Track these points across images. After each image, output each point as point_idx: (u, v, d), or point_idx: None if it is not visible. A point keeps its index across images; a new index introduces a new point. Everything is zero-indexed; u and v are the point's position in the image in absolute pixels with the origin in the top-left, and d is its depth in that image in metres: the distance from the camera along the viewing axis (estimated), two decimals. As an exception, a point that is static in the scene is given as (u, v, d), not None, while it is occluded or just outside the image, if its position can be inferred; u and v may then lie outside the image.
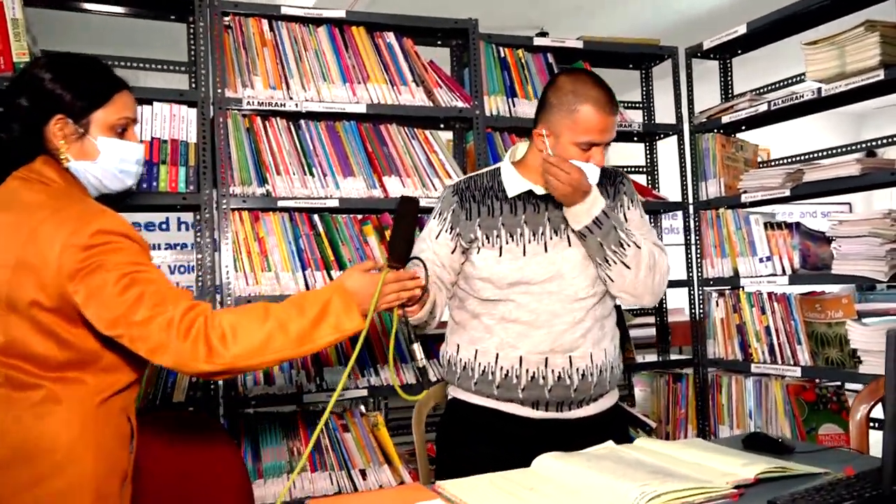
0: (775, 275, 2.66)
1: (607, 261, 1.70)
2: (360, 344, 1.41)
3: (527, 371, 1.73)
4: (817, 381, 2.61)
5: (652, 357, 3.19)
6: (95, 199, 1.40)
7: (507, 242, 1.74)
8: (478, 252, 1.77)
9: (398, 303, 1.50)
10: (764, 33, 2.79)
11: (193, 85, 2.42)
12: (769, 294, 2.70)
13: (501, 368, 1.74)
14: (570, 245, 1.74)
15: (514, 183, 1.78)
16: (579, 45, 2.90)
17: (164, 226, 5.28)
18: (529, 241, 1.74)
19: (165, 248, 5.19)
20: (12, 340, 1.23)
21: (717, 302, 2.90)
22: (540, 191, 1.75)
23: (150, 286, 1.25)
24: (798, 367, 2.55)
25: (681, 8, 5.19)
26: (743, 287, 2.83)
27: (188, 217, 5.43)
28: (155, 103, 2.25)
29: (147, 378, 2.22)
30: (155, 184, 2.23)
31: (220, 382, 2.32)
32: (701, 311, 2.98)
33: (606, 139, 1.68)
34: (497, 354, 1.75)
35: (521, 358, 1.73)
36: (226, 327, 1.27)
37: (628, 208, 1.84)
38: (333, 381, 2.41)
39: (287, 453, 2.38)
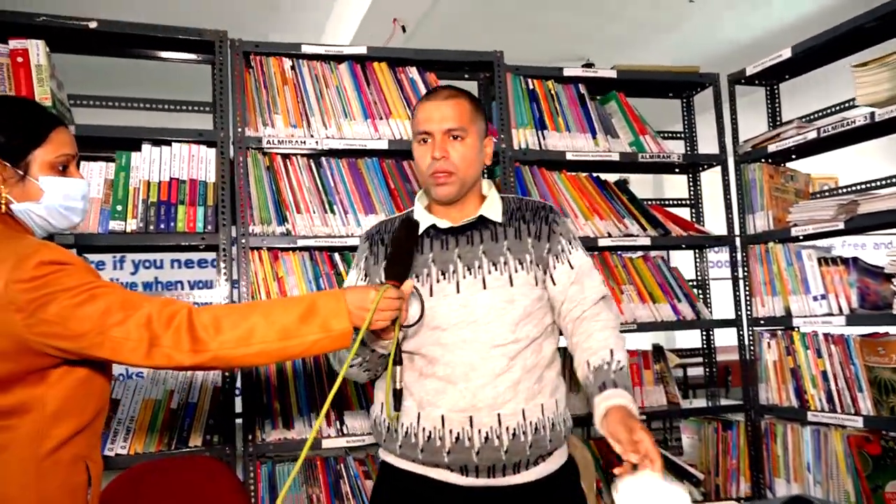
0: (831, 314, 2.45)
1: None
2: (357, 343, 1.37)
3: (450, 432, 1.52)
4: (883, 432, 2.37)
5: (699, 401, 2.98)
6: (44, 238, 1.37)
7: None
8: None
9: (394, 317, 1.42)
10: (810, 57, 2.63)
11: (218, 125, 2.42)
12: (825, 335, 2.49)
13: (424, 430, 1.54)
14: (484, 288, 1.56)
15: (422, 219, 1.64)
16: (613, 74, 2.79)
17: (203, 263, 5.37)
18: (438, 281, 1.58)
19: (199, 287, 5.28)
20: None
21: (768, 343, 2.69)
22: (444, 224, 1.61)
23: (111, 296, 1.23)
24: (859, 417, 2.33)
25: (725, 37, 5.04)
26: (797, 327, 2.62)
27: (212, 255, 5.51)
28: (174, 144, 2.25)
29: (163, 422, 2.19)
30: (173, 224, 2.22)
31: (238, 428, 2.27)
32: (751, 352, 2.78)
33: (441, 126, 1.56)
34: (419, 414, 1.55)
35: (442, 417, 1.53)
36: (211, 317, 1.26)
37: (570, 253, 1.64)
38: (354, 426, 2.32)
39: (306, 500, 2.29)
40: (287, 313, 1.30)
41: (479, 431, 1.52)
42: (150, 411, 2.18)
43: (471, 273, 1.58)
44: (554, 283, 1.62)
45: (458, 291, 1.57)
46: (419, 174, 1.64)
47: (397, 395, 1.49)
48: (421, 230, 1.63)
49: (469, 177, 1.61)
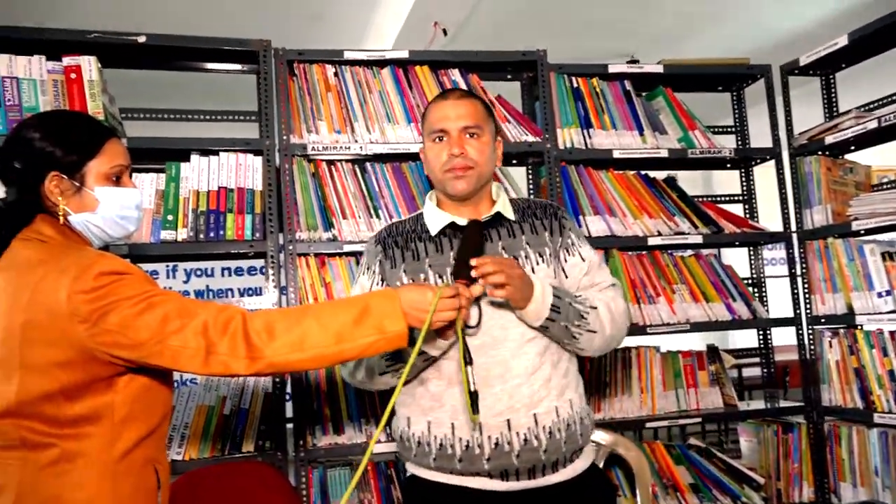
0: (897, 311, 2.35)
1: (574, 336, 1.56)
2: (417, 349, 1.33)
3: (489, 438, 1.50)
4: (956, 433, 2.26)
5: (758, 403, 2.88)
6: (100, 248, 1.40)
7: (436, 283, 1.57)
8: None
9: (453, 317, 1.36)
10: (867, 44, 2.52)
11: (263, 133, 2.45)
12: (892, 333, 2.38)
13: (460, 440, 1.51)
14: None
15: (436, 219, 1.64)
16: (659, 69, 2.73)
17: (252, 270, 5.44)
18: None
19: (249, 294, 5.35)
20: (24, 401, 1.22)
21: (830, 342, 2.59)
22: (463, 221, 1.60)
23: (168, 304, 1.24)
24: (930, 418, 2.22)
25: (775, 26, 4.88)
26: (860, 326, 2.52)
27: (260, 262, 5.58)
28: (222, 153, 2.28)
29: (216, 428, 2.21)
30: (222, 232, 2.25)
31: (289, 433, 2.28)
32: (812, 352, 2.68)
33: (457, 124, 1.59)
34: (452, 425, 1.52)
35: (479, 424, 1.50)
36: (264, 323, 1.26)
37: (580, 247, 1.67)
38: (403, 430, 2.31)
39: (358, 506, 2.30)
40: (340, 316, 1.28)
41: (518, 434, 1.51)
42: (204, 417, 2.21)
43: None
44: (567, 276, 1.65)
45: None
46: (433, 172, 1.65)
47: (475, 398, 1.40)
48: (437, 229, 1.63)
49: (485, 173, 1.63)
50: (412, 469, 1.63)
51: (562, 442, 1.53)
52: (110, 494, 1.24)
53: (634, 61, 4.42)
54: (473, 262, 1.42)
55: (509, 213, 1.66)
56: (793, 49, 3.88)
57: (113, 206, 1.36)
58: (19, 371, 1.21)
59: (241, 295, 5.65)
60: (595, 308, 1.57)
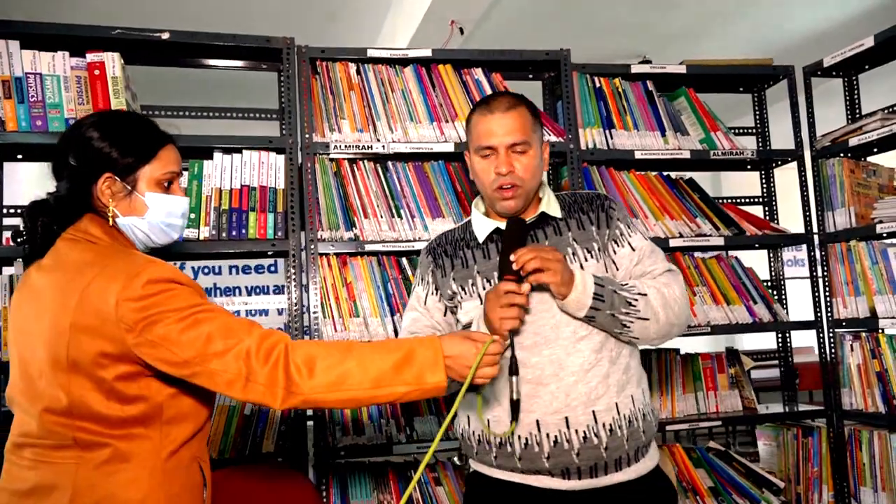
0: (922, 315, 2.33)
1: (625, 325, 1.52)
2: (458, 402, 1.32)
3: (547, 436, 1.50)
4: (981, 439, 2.25)
5: (776, 405, 2.87)
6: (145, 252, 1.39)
7: (484, 289, 1.58)
8: (460, 307, 1.63)
9: (495, 373, 1.34)
10: (893, 46, 2.50)
11: (285, 132, 2.44)
12: (915, 337, 2.37)
13: (519, 437, 1.52)
14: None
15: (482, 225, 1.64)
16: (682, 69, 2.71)
17: (272, 268, 5.42)
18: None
19: (256, 293, 5.32)
20: (76, 401, 1.22)
21: (851, 346, 2.58)
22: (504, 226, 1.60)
23: (214, 322, 1.22)
24: (955, 423, 2.20)
25: (793, 27, 4.86)
26: (882, 329, 2.50)
27: (271, 260, 5.56)
28: (244, 151, 2.27)
29: (237, 428, 2.20)
30: (244, 231, 2.24)
31: (310, 433, 2.27)
32: (833, 355, 2.66)
33: (504, 141, 1.56)
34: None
35: (537, 422, 1.50)
36: (306, 357, 1.23)
37: (630, 236, 1.63)
38: (424, 431, 2.30)
39: (378, 506, 2.28)
40: (382, 360, 1.25)
41: (577, 432, 1.50)
42: (225, 417, 2.20)
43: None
44: (617, 268, 1.62)
45: (532, 289, 1.52)
46: (482, 187, 1.64)
47: (515, 406, 1.42)
48: (484, 236, 1.64)
49: (532, 187, 1.62)
50: (474, 465, 1.65)
51: (624, 439, 1.52)
52: (162, 492, 1.25)
53: (647, 62, 4.41)
54: (512, 256, 1.41)
55: (555, 212, 1.64)
56: (805, 50, 3.87)
57: (160, 212, 1.35)
58: (69, 372, 1.21)
59: (249, 294, 5.61)
60: (644, 294, 1.52)
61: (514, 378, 1.43)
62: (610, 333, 1.55)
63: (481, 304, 1.56)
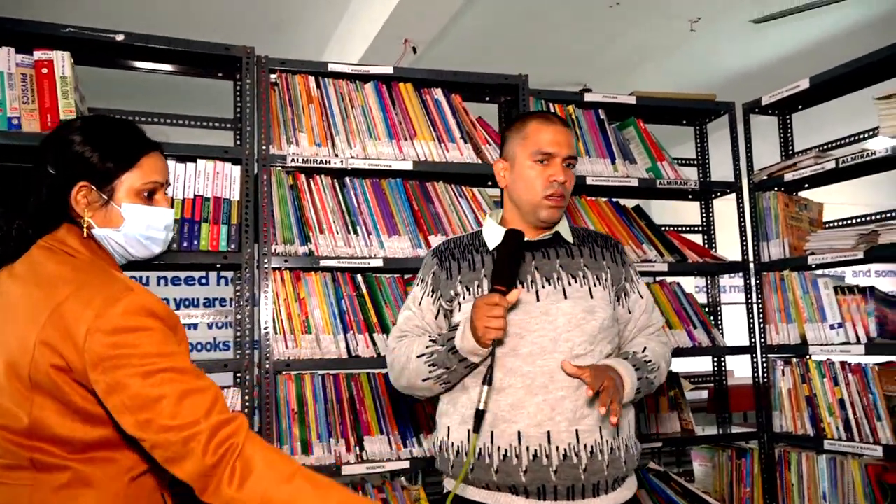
0: (849, 343, 2.47)
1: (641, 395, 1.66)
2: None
3: (527, 449, 1.50)
4: (900, 461, 2.39)
5: (711, 427, 2.98)
6: (122, 265, 1.32)
7: (489, 292, 1.60)
8: (459, 309, 1.65)
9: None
10: (827, 88, 2.67)
11: (238, 142, 2.38)
12: (842, 364, 2.50)
13: (499, 448, 1.51)
14: (565, 297, 1.58)
15: (494, 234, 1.68)
16: (632, 100, 2.81)
17: (203, 280, 5.26)
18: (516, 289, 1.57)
19: (204, 305, 5.16)
20: (37, 422, 1.14)
21: (783, 371, 2.70)
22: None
23: (176, 388, 1.13)
24: (879, 447, 2.33)
25: (723, 65, 5.12)
26: (811, 355, 2.64)
27: (228, 272, 5.41)
28: (199, 160, 2.20)
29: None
30: (196, 242, 2.17)
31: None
32: (765, 379, 2.78)
33: (562, 152, 1.63)
34: (492, 433, 1.52)
35: (519, 434, 1.51)
36: (245, 464, 1.13)
37: (638, 283, 1.75)
38: (374, 451, 2.27)
39: (324, 529, 2.23)
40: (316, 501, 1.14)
41: (557, 448, 1.50)
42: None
43: (550, 283, 1.60)
44: (630, 312, 1.70)
45: (537, 300, 1.58)
46: (526, 193, 1.65)
47: (479, 417, 1.47)
48: (494, 243, 1.66)
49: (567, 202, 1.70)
50: (448, 485, 1.63)
51: (604, 465, 1.52)
52: None
53: (588, 90, 4.55)
54: (599, 404, 1.45)
55: (568, 236, 1.70)
56: (729, 87, 4.09)
57: (138, 225, 1.27)
58: (32, 391, 1.13)
59: (209, 305, 5.34)
60: (659, 368, 1.66)
61: (485, 387, 1.47)
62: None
63: None
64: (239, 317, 2.31)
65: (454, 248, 1.74)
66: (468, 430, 1.55)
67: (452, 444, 1.60)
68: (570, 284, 1.60)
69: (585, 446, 1.51)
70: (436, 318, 1.70)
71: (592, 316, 1.57)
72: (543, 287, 1.59)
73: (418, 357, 1.61)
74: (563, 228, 1.70)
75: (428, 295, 1.71)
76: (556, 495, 1.50)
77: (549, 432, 1.50)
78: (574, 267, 1.64)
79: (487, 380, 1.46)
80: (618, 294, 1.68)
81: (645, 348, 1.66)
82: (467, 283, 1.65)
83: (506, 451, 1.52)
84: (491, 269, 1.62)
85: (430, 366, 1.58)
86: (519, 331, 1.56)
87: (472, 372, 1.58)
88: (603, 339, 1.59)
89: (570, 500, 1.51)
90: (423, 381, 1.60)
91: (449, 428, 1.61)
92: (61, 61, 2.07)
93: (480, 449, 1.54)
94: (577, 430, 1.51)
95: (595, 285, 1.63)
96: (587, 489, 1.51)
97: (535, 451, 1.50)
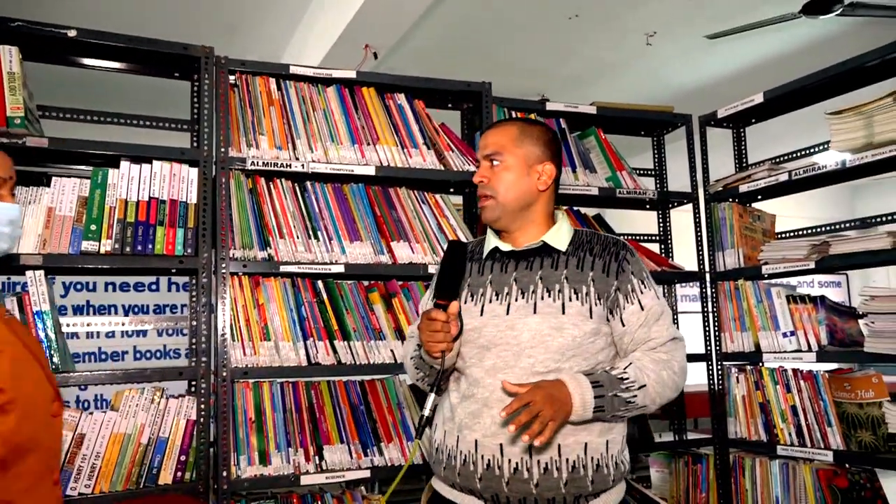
0: (801, 350, 2.53)
1: (622, 417, 1.54)
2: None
3: (482, 457, 1.51)
4: (848, 466, 2.45)
5: (667, 434, 3.01)
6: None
7: (465, 302, 1.62)
8: None
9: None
10: (780, 103, 2.75)
11: (195, 144, 2.32)
12: (794, 371, 2.56)
13: (461, 453, 1.55)
14: (534, 312, 1.54)
15: (489, 244, 1.69)
16: (592, 110, 2.84)
17: (153, 286, 5.11)
18: (490, 301, 1.59)
19: (154, 311, 5.01)
20: None
21: (737, 378, 2.75)
22: (506, 247, 1.63)
23: None
24: (829, 451, 2.40)
25: (679, 78, 5.24)
26: (763, 363, 2.69)
27: (178, 278, 5.26)
28: (154, 161, 2.13)
29: (131, 458, 2.03)
30: (150, 246, 2.10)
31: (211, 462, 2.14)
32: (720, 386, 2.83)
33: (483, 152, 1.66)
34: (457, 437, 1.56)
35: (476, 442, 1.52)
36: None
37: (641, 292, 1.58)
38: (334, 461, 2.22)
39: (281, 541, 2.17)
40: None
41: (509, 461, 1.50)
42: (119, 447, 2.03)
43: (524, 297, 1.57)
44: (623, 325, 1.57)
45: (507, 313, 1.57)
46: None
47: (421, 422, 1.52)
48: (486, 254, 1.67)
49: (510, 201, 1.61)
50: (433, 481, 1.68)
51: (561, 482, 1.48)
52: None
53: (545, 100, 4.59)
54: (502, 413, 1.40)
55: (559, 244, 1.61)
56: (681, 101, 4.20)
57: None
58: None
59: (160, 311, 5.15)
60: (643, 386, 1.50)
61: (431, 395, 1.53)
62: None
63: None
64: (195, 323, 2.24)
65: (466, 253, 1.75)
66: (445, 432, 1.61)
67: (436, 440, 1.66)
68: (542, 299, 1.55)
69: (538, 462, 1.48)
70: None
71: (560, 333, 1.52)
72: (517, 300, 1.57)
73: (410, 358, 1.71)
74: (556, 236, 1.62)
75: (430, 299, 1.73)
76: None
77: (500, 445, 1.51)
78: (552, 280, 1.57)
79: (435, 388, 1.53)
80: (610, 307, 1.57)
81: (630, 364, 1.54)
82: (473, 288, 1.65)
83: (466, 456, 1.55)
84: (475, 279, 1.65)
85: (415, 367, 1.68)
86: (486, 343, 1.56)
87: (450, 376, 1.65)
88: (575, 356, 1.53)
89: None
90: (417, 380, 1.70)
91: (437, 424, 1.67)
92: (9, 56, 1.99)
93: (451, 449, 1.58)
94: (530, 447, 1.48)
95: (571, 300, 1.54)
96: (540, 503, 1.49)
97: (489, 460, 1.51)
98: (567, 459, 1.49)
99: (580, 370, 1.53)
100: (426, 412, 1.52)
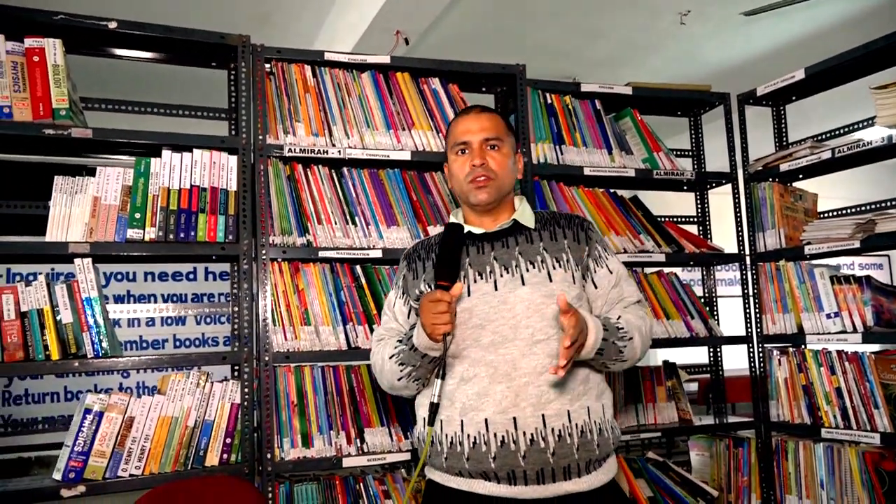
0: (846, 332, 2.48)
1: (607, 367, 1.64)
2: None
3: (495, 435, 1.52)
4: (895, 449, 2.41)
5: (707, 417, 2.98)
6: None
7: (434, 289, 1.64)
8: None
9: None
10: (822, 79, 2.68)
11: (234, 132, 2.34)
12: (839, 353, 2.51)
13: (469, 436, 1.55)
14: (523, 284, 1.60)
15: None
16: (628, 91, 2.80)
17: (191, 276, 5.19)
18: (475, 281, 1.62)
19: (192, 300, 5.09)
20: None
21: (779, 360, 2.71)
22: (480, 231, 1.68)
23: None
24: (876, 434, 2.35)
25: (714, 58, 5.14)
26: (806, 345, 2.65)
27: (215, 267, 5.34)
28: (195, 150, 2.16)
29: (179, 441, 2.08)
30: (193, 233, 2.13)
31: (255, 445, 2.18)
32: (762, 369, 2.79)
33: (477, 136, 1.66)
34: (461, 421, 1.56)
35: (486, 421, 1.54)
36: None
37: (607, 258, 1.71)
38: (375, 443, 2.25)
39: (325, 522, 2.21)
40: None
41: (524, 434, 1.52)
42: (167, 429, 2.07)
43: (508, 272, 1.62)
44: (596, 287, 1.68)
45: (496, 289, 1.60)
46: (457, 184, 1.71)
47: (433, 410, 1.54)
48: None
49: (505, 184, 1.69)
50: (429, 473, 1.67)
51: (573, 448, 1.53)
52: None
53: (577, 83, 4.55)
54: (566, 341, 1.43)
55: (528, 222, 1.70)
56: (721, 79, 4.11)
57: None
58: None
59: (198, 299, 5.24)
60: (631, 339, 1.61)
61: (438, 381, 1.54)
62: (594, 366, 1.62)
63: None
64: (236, 309, 2.28)
65: (420, 249, 1.77)
66: (442, 421, 1.60)
67: (425, 435, 1.64)
68: (527, 270, 1.61)
69: (553, 430, 1.52)
70: (408, 317, 1.74)
71: (551, 300, 1.57)
72: (502, 276, 1.62)
73: (390, 358, 1.67)
74: (523, 216, 1.70)
75: (399, 297, 1.76)
76: (525, 480, 1.52)
77: (514, 418, 1.52)
78: (532, 252, 1.65)
79: (441, 373, 1.54)
80: (583, 273, 1.67)
81: (620, 317, 1.64)
82: (430, 281, 1.68)
83: (475, 438, 1.54)
84: (463, 260, 1.67)
85: (399, 364, 1.64)
86: (480, 321, 1.59)
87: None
88: None
89: (541, 484, 1.52)
90: (399, 380, 1.66)
91: (425, 419, 1.63)
92: (53, 49, 2.03)
93: (452, 437, 1.58)
94: (542, 415, 1.53)
95: (555, 268, 1.63)
96: (557, 473, 1.52)
97: (503, 437, 1.52)
98: (576, 424, 1.54)
99: None
100: (434, 399, 1.56)
